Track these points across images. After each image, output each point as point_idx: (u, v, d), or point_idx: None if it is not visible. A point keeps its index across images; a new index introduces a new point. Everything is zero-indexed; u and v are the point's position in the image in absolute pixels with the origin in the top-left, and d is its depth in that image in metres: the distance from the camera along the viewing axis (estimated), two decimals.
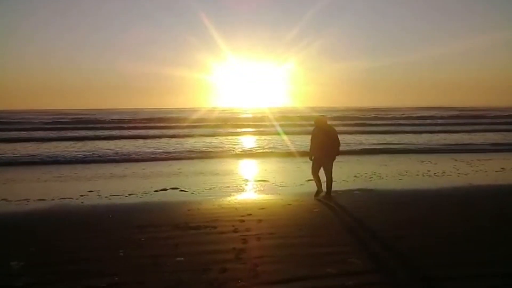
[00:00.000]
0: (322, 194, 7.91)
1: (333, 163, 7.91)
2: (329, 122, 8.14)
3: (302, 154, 15.54)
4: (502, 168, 11.89)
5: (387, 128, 30.20)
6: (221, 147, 18.74)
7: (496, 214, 6.50)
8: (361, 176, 10.53)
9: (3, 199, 8.08)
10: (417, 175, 10.73)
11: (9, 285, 3.96)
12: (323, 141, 7.79)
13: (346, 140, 21.18)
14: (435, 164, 12.79)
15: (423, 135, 24.83)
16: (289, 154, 15.83)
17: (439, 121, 41.92)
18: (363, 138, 22.84)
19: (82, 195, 8.34)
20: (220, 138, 23.67)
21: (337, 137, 7.90)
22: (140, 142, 21.63)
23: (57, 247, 5.04)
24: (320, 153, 7.82)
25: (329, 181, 7.86)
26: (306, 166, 12.67)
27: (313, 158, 7.95)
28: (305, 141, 20.99)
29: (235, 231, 5.66)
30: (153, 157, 15.45)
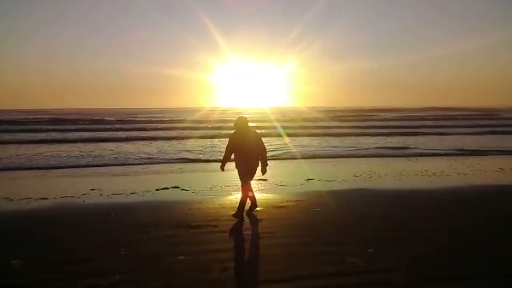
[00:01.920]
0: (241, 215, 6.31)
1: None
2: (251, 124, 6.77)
3: (305, 155, 15.59)
4: (500, 168, 11.90)
5: (386, 130, 30.05)
6: (220, 148, 18.77)
7: (496, 215, 6.50)
8: (361, 175, 10.55)
9: (5, 198, 8.10)
10: (416, 175, 10.74)
11: (10, 284, 3.98)
12: (250, 148, 6.35)
13: (351, 143, 21.20)
14: (433, 164, 12.81)
15: (422, 137, 24.83)
16: (289, 155, 15.85)
17: (439, 122, 41.87)
18: (363, 140, 22.85)
19: (83, 194, 8.36)
20: (220, 139, 23.69)
21: (262, 142, 6.52)
22: (142, 143, 21.65)
23: (58, 246, 5.06)
24: (246, 164, 6.35)
25: (252, 195, 6.64)
26: (306, 166, 12.73)
27: (238, 171, 6.46)
28: (302, 141, 21.04)
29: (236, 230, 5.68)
30: (151, 160, 15.46)
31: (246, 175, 6.40)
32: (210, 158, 15.11)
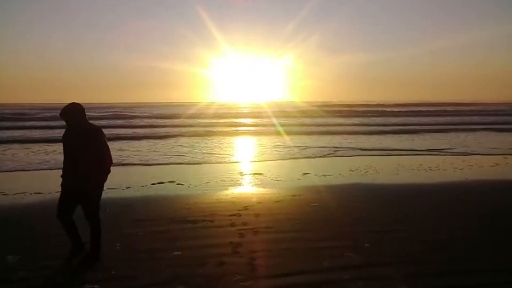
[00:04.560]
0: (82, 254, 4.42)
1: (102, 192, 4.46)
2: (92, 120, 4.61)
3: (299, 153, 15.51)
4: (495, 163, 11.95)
5: (380, 128, 29.91)
6: (216, 148, 18.73)
7: (496, 211, 6.49)
8: (357, 170, 10.55)
9: None
10: (412, 169, 10.75)
11: (5, 279, 3.94)
12: (81, 152, 4.19)
13: (349, 140, 21.17)
14: (431, 160, 12.83)
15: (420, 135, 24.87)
16: (286, 152, 15.84)
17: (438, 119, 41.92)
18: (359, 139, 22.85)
19: None
20: (215, 136, 23.63)
21: (105, 144, 4.37)
22: (135, 143, 21.56)
23: (53, 241, 5.00)
24: (75, 175, 4.25)
25: (96, 223, 4.42)
26: (303, 161, 12.72)
27: (62, 184, 4.38)
28: (299, 138, 21.00)
29: (232, 225, 5.66)
30: (146, 156, 15.39)
31: (79, 193, 4.30)
32: (206, 153, 15.06)
